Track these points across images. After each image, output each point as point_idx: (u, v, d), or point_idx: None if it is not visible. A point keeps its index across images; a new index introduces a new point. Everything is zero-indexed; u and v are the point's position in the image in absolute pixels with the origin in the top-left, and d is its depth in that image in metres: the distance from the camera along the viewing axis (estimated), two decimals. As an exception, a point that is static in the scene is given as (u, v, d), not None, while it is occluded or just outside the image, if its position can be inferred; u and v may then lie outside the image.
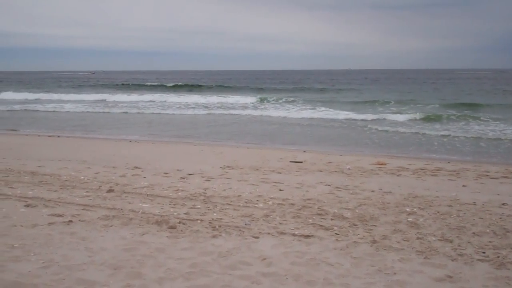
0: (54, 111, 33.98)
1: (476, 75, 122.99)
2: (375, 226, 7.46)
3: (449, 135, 20.59)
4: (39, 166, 12.18)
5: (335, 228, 7.31)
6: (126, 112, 32.54)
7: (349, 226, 7.41)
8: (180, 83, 68.40)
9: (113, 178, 10.87)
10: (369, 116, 27.54)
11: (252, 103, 38.46)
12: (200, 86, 65.19)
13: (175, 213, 8.03)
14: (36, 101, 43.72)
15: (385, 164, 13.10)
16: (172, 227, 7.26)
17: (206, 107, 36.06)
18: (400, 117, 27.04)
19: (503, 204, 8.89)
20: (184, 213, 8.03)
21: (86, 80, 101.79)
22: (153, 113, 32.23)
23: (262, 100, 39.41)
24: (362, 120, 26.59)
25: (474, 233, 7.14)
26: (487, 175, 11.76)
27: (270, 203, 8.77)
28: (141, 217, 7.79)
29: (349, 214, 8.09)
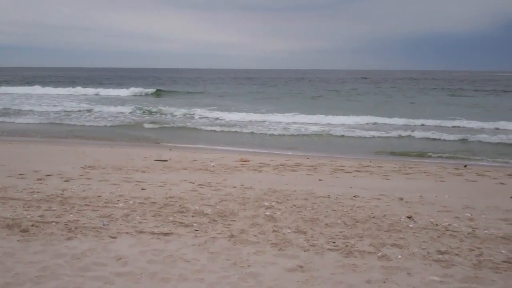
0: None
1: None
2: (234, 221, 7.61)
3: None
4: None
5: (195, 224, 7.36)
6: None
7: (208, 222, 7.49)
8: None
9: (-39, 181, 10.13)
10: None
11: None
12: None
13: (28, 216, 7.65)
14: None
15: (248, 161, 13.40)
16: (24, 230, 6.92)
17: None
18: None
19: (354, 196, 9.42)
20: (39, 216, 7.68)
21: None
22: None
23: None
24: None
25: (326, 224, 7.51)
26: (342, 169, 12.43)
27: (131, 202, 8.63)
28: (-10, 221, 7.34)
29: (209, 210, 8.17)
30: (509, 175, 12.27)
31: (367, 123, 24.63)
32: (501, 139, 19.68)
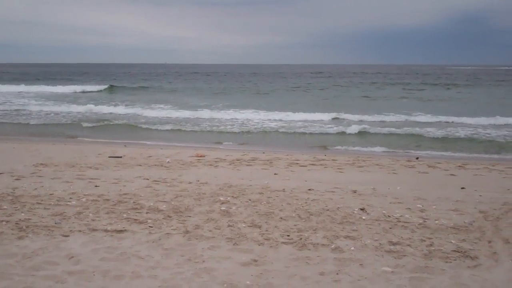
0: None
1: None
2: (189, 216, 7.59)
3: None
4: None
5: (149, 221, 7.31)
6: None
7: (163, 218, 7.45)
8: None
9: None
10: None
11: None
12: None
13: (-22, 216, 7.46)
14: None
15: (204, 156, 13.38)
16: (-26, 231, 6.75)
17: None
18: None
19: (309, 189, 9.51)
20: (-11, 215, 7.50)
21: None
22: None
23: None
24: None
25: (281, 218, 7.56)
26: (297, 163, 12.53)
27: (84, 200, 8.50)
28: None
29: (164, 206, 8.13)
30: (459, 166, 12.59)
31: (326, 119, 24.62)
32: (449, 132, 20.20)
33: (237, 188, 9.51)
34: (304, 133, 20.67)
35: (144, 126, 22.93)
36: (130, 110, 28.86)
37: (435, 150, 16.34)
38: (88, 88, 48.07)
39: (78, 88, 47.72)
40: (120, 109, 29.39)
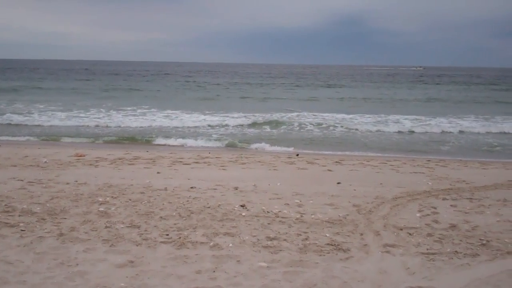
0: None
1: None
2: (65, 218, 7.32)
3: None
4: None
5: (21, 224, 6.97)
6: None
7: (36, 221, 7.14)
8: None
9: None
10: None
11: None
12: None
13: None
14: None
15: (84, 156, 12.97)
16: None
17: None
18: None
19: (191, 187, 9.51)
20: None
21: None
22: None
23: None
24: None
25: (161, 217, 7.50)
26: (181, 161, 12.50)
27: (-51, 204, 7.96)
28: None
29: (38, 208, 7.79)
30: (336, 162, 13.12)
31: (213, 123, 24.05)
32: (327, 131, 21.09)
33: (118, 188, 9.31)
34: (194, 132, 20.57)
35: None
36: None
37: (313, 148, 17.01)
38: None
39: None
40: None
